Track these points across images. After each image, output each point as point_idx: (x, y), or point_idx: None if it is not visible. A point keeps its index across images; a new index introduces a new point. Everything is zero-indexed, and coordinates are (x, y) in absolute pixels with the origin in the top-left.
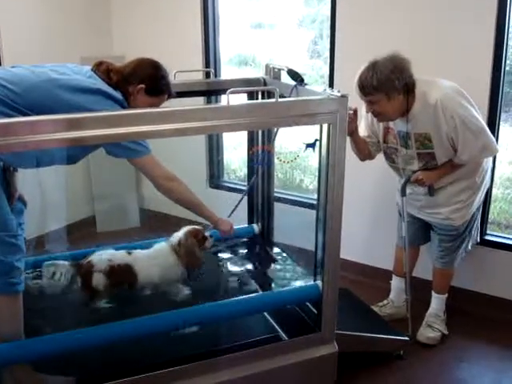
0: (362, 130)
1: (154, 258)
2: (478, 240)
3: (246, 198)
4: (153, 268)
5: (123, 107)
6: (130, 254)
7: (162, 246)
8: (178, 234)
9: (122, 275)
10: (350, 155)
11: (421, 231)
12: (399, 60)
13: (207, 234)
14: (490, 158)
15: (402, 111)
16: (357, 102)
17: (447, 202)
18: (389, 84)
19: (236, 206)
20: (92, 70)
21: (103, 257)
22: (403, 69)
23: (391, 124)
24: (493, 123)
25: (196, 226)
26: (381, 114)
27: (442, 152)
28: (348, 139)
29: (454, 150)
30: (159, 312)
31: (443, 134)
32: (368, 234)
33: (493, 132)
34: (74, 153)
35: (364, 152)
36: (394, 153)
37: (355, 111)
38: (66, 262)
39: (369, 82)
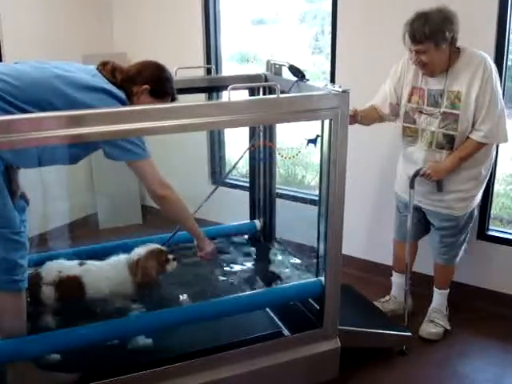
0: (377, 100)
1: (105, 271)
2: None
3: (248, 194)
4: (103, 281)
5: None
6: (81, 265)
7: (118, 261)
8: (139, 251)
9: (70, 288)
10: (352, 150)
11: (420, 225)
12: (449, 12)
13: (171, 256)
14: (494, 152)
15: (446, 64)
16: (358, 95)
17: (452, 189)
18: (440, 34)
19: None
20: (97, 69)
21: (53, 268)
22: (453, 21)
23: (422, 84)
24: None
25: (160, 247)
26: (427, 64)
27: (466, 116)
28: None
29: (473, 122)
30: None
31: (473, 94)
32: (369, 230)
33: None
34: (75, 153)
35: (372, 122)
36: (417, 112)
37: (355, 112)
38: None
39: (421, 30)
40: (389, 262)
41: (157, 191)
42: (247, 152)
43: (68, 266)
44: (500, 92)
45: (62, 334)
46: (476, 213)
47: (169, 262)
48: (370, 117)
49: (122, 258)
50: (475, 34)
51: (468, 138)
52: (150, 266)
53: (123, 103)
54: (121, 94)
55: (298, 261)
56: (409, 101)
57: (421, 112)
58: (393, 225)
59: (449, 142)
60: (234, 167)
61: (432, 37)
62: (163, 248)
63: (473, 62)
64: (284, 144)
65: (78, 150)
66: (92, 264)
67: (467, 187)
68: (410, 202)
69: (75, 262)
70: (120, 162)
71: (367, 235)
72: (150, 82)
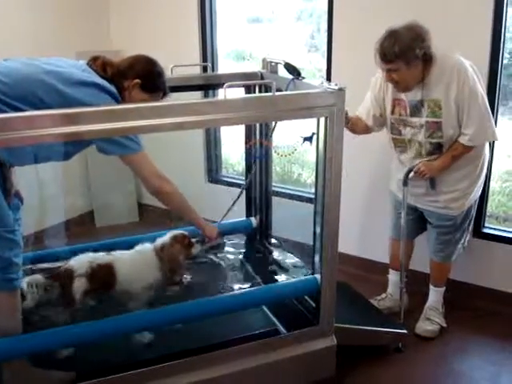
0: (361, 112)
1: (134, 259)
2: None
3: (244, 191)
4: (132, 269)
5: (117, 101)
6: (109, 254)
7: (144, 248)
8: (163, 238)
9: (103, 277)
10: (348, 148)
11: (415, 223)
12: (419, 29)
13: (194, 240)
14: (488, 151)
15: (419, 77)
16: (354, 93)
17: (446, 189)
18: (410, 52)
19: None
20: (87, 64)
21: (82, 260)
22: (424, 38)
23: (403, 95)
24: None
25: (182, 232)
26: (400, 82)
27: (449, 123)
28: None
29: (459, 126)
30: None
31: (452, 100)
32: (366, 228)
33: None
34: (67, 149)
35: (360, 132)
36: (402, 124)
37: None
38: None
39: (391, 50)
40: (385, 259)
41: (155, 184)
42: (244, 149)
43: (98, 256)
44: (480, 90)
45: (57, 332)
46: (473, 211)
47: (193, 246)
48: (359, 125)
49: (147, 245)
50: (471, 33)
51: (457, 140)
52: (176, 251)
53: (115, 97)
54: (112, 89)
55: (294, 258)
56: (392, 113)
57: (405, 124)
58: (389, 223)
59: (437, 149)
60: (250, 173)
61: (402, 55)
62: (185, 233)
63: (446, 68)
64: (280, 142)
65: (72, 146)
66: (120, 253)
67: (461, 186)
68: (404, 200)
69: (103, 253)
70: (116, 160)
71: (363, 233)
72: (141, 77)
